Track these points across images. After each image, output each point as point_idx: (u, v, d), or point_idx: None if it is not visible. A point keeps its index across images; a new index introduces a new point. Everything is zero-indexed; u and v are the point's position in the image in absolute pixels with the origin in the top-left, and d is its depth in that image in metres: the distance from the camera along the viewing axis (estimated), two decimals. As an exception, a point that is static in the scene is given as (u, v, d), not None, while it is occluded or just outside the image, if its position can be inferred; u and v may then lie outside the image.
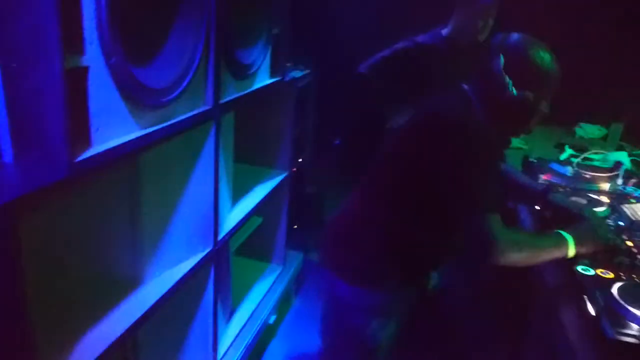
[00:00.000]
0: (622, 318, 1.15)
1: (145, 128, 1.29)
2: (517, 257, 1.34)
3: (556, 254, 1.37)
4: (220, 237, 1.76)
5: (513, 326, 1.92)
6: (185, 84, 1.44)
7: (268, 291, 2.46)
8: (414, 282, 1.54)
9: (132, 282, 1.53)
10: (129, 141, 1.20)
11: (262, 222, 2.48)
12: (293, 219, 3.20)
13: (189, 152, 1.61)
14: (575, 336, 1.20)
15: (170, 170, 1.58)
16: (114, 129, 1.17)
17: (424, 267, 1.55)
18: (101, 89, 1.11)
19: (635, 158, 2.47)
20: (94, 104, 1.10)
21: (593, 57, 3.11)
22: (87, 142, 1.09)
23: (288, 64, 2.64)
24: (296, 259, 2.80)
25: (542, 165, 2.16)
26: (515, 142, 2.79)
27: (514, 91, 1.35)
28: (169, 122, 1.38)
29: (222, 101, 1.64)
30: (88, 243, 1.40)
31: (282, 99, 2.36)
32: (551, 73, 1.37)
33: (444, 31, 2.57)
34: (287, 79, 2.27)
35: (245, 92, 1.84)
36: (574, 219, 1.53)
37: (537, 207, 1.77)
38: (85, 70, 1.05)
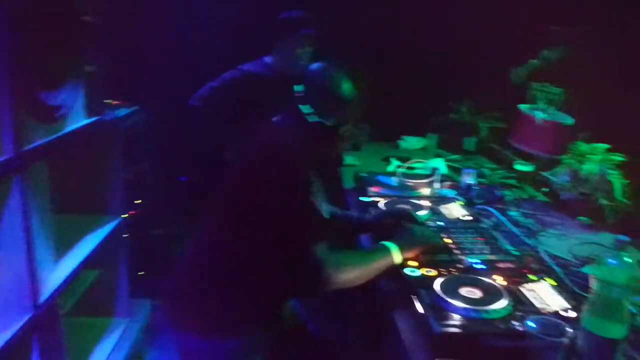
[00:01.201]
0: (444, 311, 1.24)
1: None
2: (348, 278, 1.38)
3: (384, 263, 1.44)
4: (41, 300, 1.56)
5: (372, 338, 1.97)
6: (-26, 133, 1.27)
7: (114, 349, 2.25)
8: (266, 321, 1.49)
9: None
10: None
11: (99, 275, 2.28)
12: (138, 266, 3.00)
13: (-11, 209, 1.41)
14: (408, 336, 1.28)
15: (-34, 232, 1.37)
16: None
17: (271, 303, 1.50)
18: None
19: (450, 163, 2.76)
20: None
21: (404, 79, 3.53)
22: None
23: (109, 102, 2.50)
24: (144, 308, 2.61)
25: (370, 179, 2.31)
26: (349, 159, 2.96)
27: (316, 119, 1.41)
28: (-45, 179, 1.20)
29: (26, 148, 1.48)
30: None
31: (106, 139, 2.20)
32: (349, 100, 1.42)
33: (268, 59, 2.65)
34: (108, 117, 2.13)
35: (57, 135, 1.68)
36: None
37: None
38: None
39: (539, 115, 2.09)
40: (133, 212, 2.88)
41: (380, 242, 1.49)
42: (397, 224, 1.64)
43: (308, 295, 1.63)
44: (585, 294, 1.38)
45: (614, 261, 1.06)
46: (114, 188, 2.27)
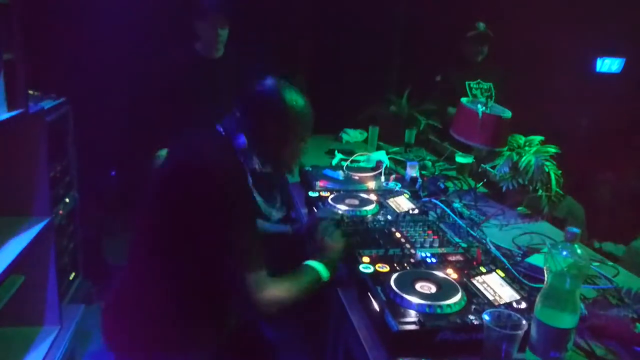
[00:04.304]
0: (401, 308, 1.23)
1: None
2: (284, 302, 1.35)
3: (315, 283, 1.42)
4: (-39, 312, 1.41)
5: (316, 335, 1.94)
6: None
7: (44, 359, 2.09)
8: (211, 335, 1.44)
9: None
10: None
11: (25, 281, 2.10)
12: (68, 269, 2.81)
13: None
14: (365, 334, 1.25)
15: None
16: None
17: (214, 319, 1.45)
18: None
19: (393, 156, 2.78)
20: None
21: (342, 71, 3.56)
22: None
23: (33, 93, 2.31)
24: (76, 313, 2.44)
25: (316, 173, 2.27)
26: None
27: (278, 137, 1.39)
28: None
29: (-62, 145, 1.32)
30: None
31: (29, 134, 2.02)
32: (306, 115, 1.43)
33: (198, 45, 2.66)
34: (32, 110, 1.95)
35: (-26, 131, 1.52)
36: None
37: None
38: None
39: (480, 109, 2.13)
40: (60, 212, 2.69)
41: (305, 264, 1.45)
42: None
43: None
44: (531, 284, 1.42)
45: (565, 253, 1.09)
46: (40, 187, 2.09)
